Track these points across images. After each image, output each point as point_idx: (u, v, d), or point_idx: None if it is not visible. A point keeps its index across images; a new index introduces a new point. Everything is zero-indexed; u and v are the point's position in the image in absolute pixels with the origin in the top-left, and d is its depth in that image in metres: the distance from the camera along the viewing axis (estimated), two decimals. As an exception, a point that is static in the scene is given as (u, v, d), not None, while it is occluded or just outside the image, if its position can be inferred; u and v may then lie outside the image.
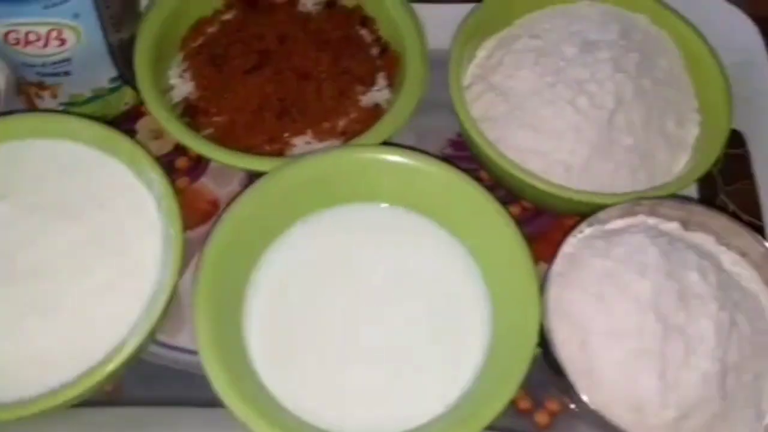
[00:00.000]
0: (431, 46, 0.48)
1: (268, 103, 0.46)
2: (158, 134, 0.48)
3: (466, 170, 0.46)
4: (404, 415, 0.39)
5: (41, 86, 0.45)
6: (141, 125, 0.49)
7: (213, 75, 0.47)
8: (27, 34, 0.41)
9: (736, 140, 0.49)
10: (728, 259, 0.42)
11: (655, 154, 0.44)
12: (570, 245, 0.41)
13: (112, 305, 0.39)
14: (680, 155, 0.45)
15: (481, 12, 0.47)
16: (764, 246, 0.41)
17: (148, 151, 0.48)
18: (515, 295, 0.40)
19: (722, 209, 0.49)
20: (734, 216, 0.49)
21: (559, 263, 0.40)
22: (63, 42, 0.42)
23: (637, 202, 0.42)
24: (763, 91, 0.47)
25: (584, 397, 0.37)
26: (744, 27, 0.49)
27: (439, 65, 0.47)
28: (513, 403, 0.42)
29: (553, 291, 0.39)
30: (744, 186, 0.48)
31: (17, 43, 0.42)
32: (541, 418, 0.42)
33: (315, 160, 0.42)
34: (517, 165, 0.42)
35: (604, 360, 0.38)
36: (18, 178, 0.42)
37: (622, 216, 0.42)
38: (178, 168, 0.48)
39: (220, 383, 0.37)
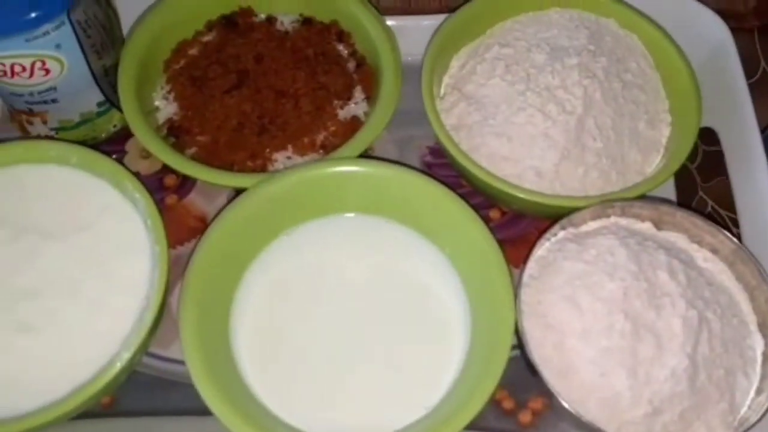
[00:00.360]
0: (407, 57, 0.50)
1: (248, 121, 0.47)
2: (147, 154, 0.50)
3: (446, 177, 0.47)
4: (388, 419, 0.40)
5: (31, 113, 0.47)
6: (130, 145, 0.51)
7: (194, 96, 0.48)
8: (12, 66, 0.43)
9: (711, 138, 0.50)
10: (700, 256, 0.42)
11: (626, 155, 0.45)
12: (543, 248, 0.42)
13: (104, 321, 0.41)
14: (652, 156, 0.46)
15: (453, 23, 0.48)
16: (734, 242, 0.42)
17: (138, 171, 0.50)
18: (492, 299, 0.41)
19: (701, 206, 0.50)
20: (713, 212, 0.50)
21: (531, 267, 0.41)
22: (47, 72, 0.44)
23: (608, 204, 0.43)
24: (733, 88, 0.48)
25: (559, 397, 0.38)
26: (713, 24, 0.50)
27: (416, 76, 0.48)
28: (497, 404, 0.43)
29: (527, 294, 0.40)
30: (720, 182, 0.49)
31: (4, 75, 0.43)
32: (525, 417, 0.43)
33: (292, 175, 0.43)
34: (489, 172, 0.43)
35: (578, 359, 0.39)
36: (9, 202, 0.44)
37: (594, 218, 0.43)
38: (167, 185, 0.50)
39: (207, 393, 0.38)
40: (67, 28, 0.43)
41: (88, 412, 0.42)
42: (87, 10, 0.44)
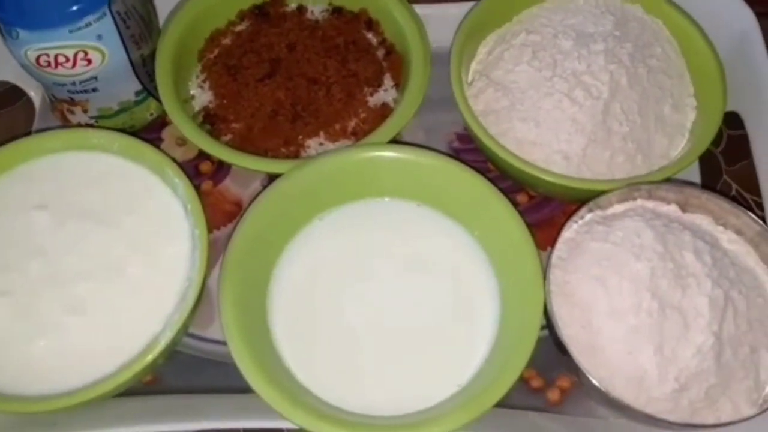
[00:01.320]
0: (435, 44, 0.51)
1: (282, 109, 0.48)
2: (183, 141, 0.52)
3: (473, 162, 0.48)
4: (421, 396, 0.42)
5: (72, 102, 0.49)
6: (166, 133, 0.53)
7: (229, 84, 0.50)
8: (56, 56, 0.44)
9: (736, 122, 0.50)
10: (725, 238, 0.43)
11: (652, 139, 0.46)
12: (571, 230, 0.43)
13: (147, 302, 0.43)
14: (678, 139, 0.47)
15: (480, 10, 0.49)
16: (759, 224, 0.42)
17: (174, 158, 0.51)
18: (521, 280, 0.42)
19: (725, 190, 0.51)
20: (737, 195, 0.51)
21: (560, 248, 0.42)
22: (89, 62, 0.45)
23: (635, 187, 0.43)
24: (758, 73, 0.48)
25: (588, 374, 0.39)
26: (738, 9, 0.50)
27: (444, 63, 0.49)
28: (526, 382, 0.45)
29: (556, 275, 0.42)
30: (745, 166, 0.50)
31: (48, 65, 0.45)
32: (553, 395, 0.45)
33: (325, 160, 0.45)
34: (518, 157, 0.44)
35: (606, 338, 0.40)
36: (57, 188, 0.45)
37: (620, 201, 0.44)
38: (203, 172, 0.51)
39: (248, 371, 0.40)
40: (108, 19, 0.44)
41: (131, 390, 0.43)
42: (126, 2, 0.45)
